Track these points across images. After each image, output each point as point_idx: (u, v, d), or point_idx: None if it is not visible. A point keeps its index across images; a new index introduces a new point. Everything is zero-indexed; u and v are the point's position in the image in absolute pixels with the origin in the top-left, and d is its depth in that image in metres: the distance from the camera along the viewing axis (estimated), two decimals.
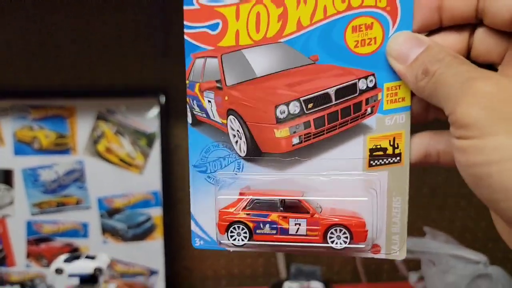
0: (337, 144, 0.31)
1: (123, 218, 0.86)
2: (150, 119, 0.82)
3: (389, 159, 0.30)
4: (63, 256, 0.68)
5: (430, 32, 0.29)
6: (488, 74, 0.25)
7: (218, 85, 0.32)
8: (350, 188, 0.31)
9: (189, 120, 0.34)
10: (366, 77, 0.30)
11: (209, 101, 0.33)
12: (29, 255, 0.89)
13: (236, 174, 0.32)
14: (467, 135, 0.24)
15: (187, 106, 0.33)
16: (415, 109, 0.30)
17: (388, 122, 0.30)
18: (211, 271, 0.91)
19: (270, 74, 0.31)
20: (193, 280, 0.91)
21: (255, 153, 0.32)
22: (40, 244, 0.88)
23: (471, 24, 0.27)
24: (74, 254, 0.70)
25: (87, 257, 0.69)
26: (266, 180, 0.32)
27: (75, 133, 0.83)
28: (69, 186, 0.85)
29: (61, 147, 0.83)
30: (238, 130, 0.32)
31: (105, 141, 0.82)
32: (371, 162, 0.30)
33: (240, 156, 0.32)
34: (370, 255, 0.31)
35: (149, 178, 0.84)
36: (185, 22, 0.31)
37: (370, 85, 0.30)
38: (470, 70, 0.25)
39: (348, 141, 0.31)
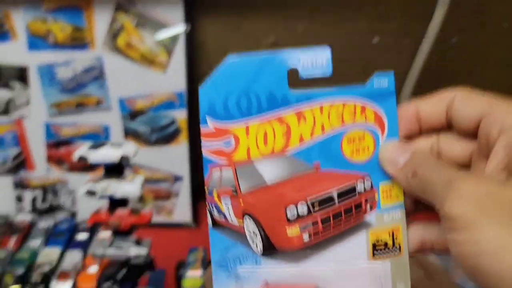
0: (343, 239, 0.35)
1: (146, 121, 0.79)
2: (174, 10, 0.71)
3: (390, 251, 0.34)
4: (87, 144, 0.62)
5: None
6: (467, 174, 0.30)
7: (233, 192, 0.37)
8: (358, 277, 0.34)
9: (209, 222, 0.38)
10: (363, 180, 0.34)
11: (226, 206, 0.37)
12: (49, 159, 0.84)
13: (252, 270, 0.36)
14: (456, 227, 0.28)
15: (207, 210, 0.38)
16: (407, 204, 0.34)
17: (386, 218, 0.34)
18: None
19: (279, 181, 0.36)
20: None
21: (270, 250, 0.36)
22: (59, 147, 0.82)
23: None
24: (99, 142, 0.63)
25: (113, 145, 0.62)
26: (281, 273, 0.36)
27: (92, 26, 0.75)
28: (88, 85, 0.77)
29: (78, 42, 0.75)
30: (253, 231, 0.36)
31: (125, 34, 0.74)
32: (375, 253, 0.34)
33: (257, 253, 0.36)
34: None
35: (173, 77, 0.74)
36: (203, 141, 0.36)
37: (367, 186, 0.34)
38: (451, 171, 0.30)
39: (353, 236, 0.35)
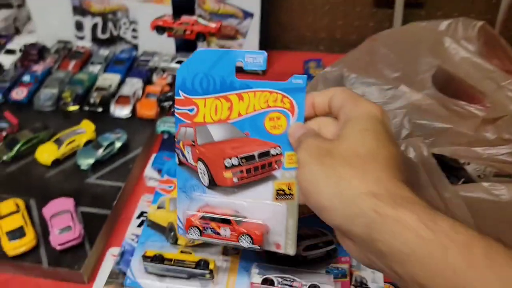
0: (258, 184, 0.52)
1: None
2: None
3: (287, 197, 0.51)
4: None
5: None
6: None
7: (192, 143, 0.54)
8: (264, 211, 0.52)
9: (177, 161, 0.56)
10: (275, 148, 0.50)
11: (187, 152, 0.55)
12: None
13: (200, 195, 0.54)
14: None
15: (176, 153, 0.56)
16: None
17: (287, 175, 0.50)
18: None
19: (222, 140, 0.53)
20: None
21: (212, 184, 0.54)
22: None
23: None
24: None
25: None
26: (217, 200, 0.54)
27: None
28: None
29: None
30: (203, 171, 0.54)
31: None
32: (277, 197, 0.51)
33: (204, 185, 0.54)
34: (274, 249, 0.51)
35: None
36: (175, 106, 0.53)
37: (278, 152, 0.50)
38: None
39: (264, 183, 0.52)
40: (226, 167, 0.52)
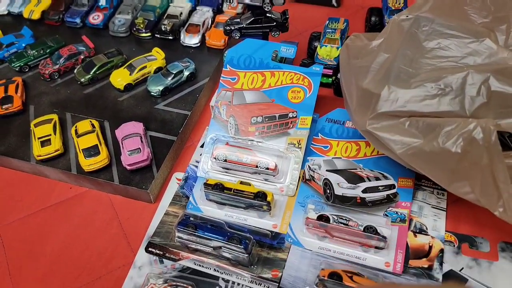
0: (275, 138, 0.67)
1: None
2: None
3: (295, 149, 0.66)
4: None
5: None
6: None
7: (228, 103, 0.71)
8: (277, 157, 0.66)
9: (212, 116, 0.71)
10: (293, 112, 0.68)
11: (223, 109, 0.71)
12: None
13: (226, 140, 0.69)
14: None
15: (212, 110, 0.71)
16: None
17: (298, 133, 0.67)
18: None
19: (252, 103, 0.70)
20: None
21: (236, 135, 0.69)
22: None
23: None
24: None
25: None
26: (237, 147, 0.68)
27: None
28: None
29: None
30: (232, 124, 0.69)
31: None
32: (287, 148, 0.66)
33: (231, 135, 0.69)
34: (278, 193, 0.64)
35: None
36: (222, 75, 0.71)
37: (294, 115, 0.68)
38: None
39: (280, 138, 0.67)
40: (251, 123, 0.68)
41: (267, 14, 0.74)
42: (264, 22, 0.75)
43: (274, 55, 0.71)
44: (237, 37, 0.76)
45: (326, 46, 0.76)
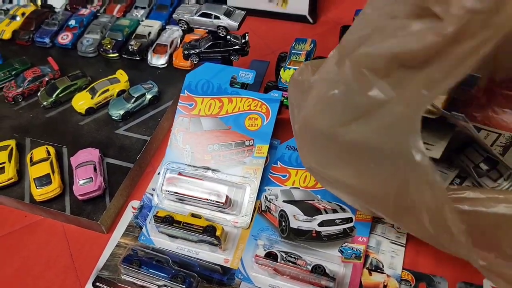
0: (233, 167, 0.65)
1: None
2: None
3: (251, 179, 0.64)
4: None
5: None
6: None
7: (186, 130, 0.69)
8: (232, 184, 0.64)
9: (168, 144, 0.69)
10: (249, 140, 0.65)
11: (180, 136, 0.69)
12: None
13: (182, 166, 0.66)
14: None
15: (170, 137, 0.69)
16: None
17: (254, 162, 0.64)
18: None
19: (209, 130, 0.67)
20: None
21: (192, 164, 0.66)
22: None
23: None
24: None
25: None
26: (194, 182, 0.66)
27: None
28: None
29: None
30: (189, 151, 0.67)
31: None
32: (243, 177, 0.64)
33: (187, 164, 0.67)
34: (231, 225, 0.62)
35: None
36: (179, 101, 0.69)
37: (251, 144, 0.65)
38: None
39: (236, 167, 0.65)
40: (208, 151, 0.66)
41: (227, 37, 0.72)
42: (223, 46, 0.73)
43: (234, 80, 0.69)
44: (196, 62, 0.74)
45: (289, 68, 0.74)
